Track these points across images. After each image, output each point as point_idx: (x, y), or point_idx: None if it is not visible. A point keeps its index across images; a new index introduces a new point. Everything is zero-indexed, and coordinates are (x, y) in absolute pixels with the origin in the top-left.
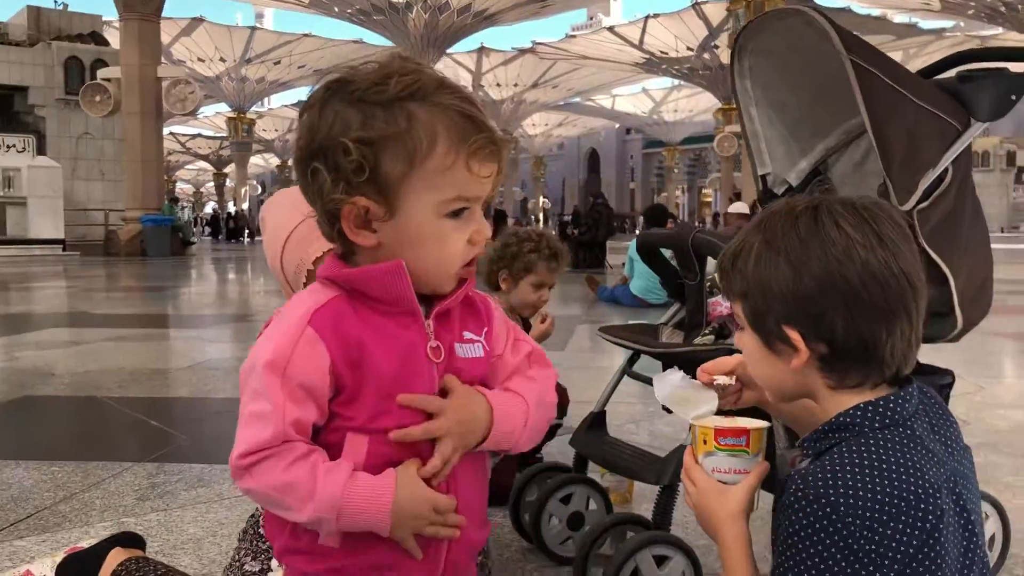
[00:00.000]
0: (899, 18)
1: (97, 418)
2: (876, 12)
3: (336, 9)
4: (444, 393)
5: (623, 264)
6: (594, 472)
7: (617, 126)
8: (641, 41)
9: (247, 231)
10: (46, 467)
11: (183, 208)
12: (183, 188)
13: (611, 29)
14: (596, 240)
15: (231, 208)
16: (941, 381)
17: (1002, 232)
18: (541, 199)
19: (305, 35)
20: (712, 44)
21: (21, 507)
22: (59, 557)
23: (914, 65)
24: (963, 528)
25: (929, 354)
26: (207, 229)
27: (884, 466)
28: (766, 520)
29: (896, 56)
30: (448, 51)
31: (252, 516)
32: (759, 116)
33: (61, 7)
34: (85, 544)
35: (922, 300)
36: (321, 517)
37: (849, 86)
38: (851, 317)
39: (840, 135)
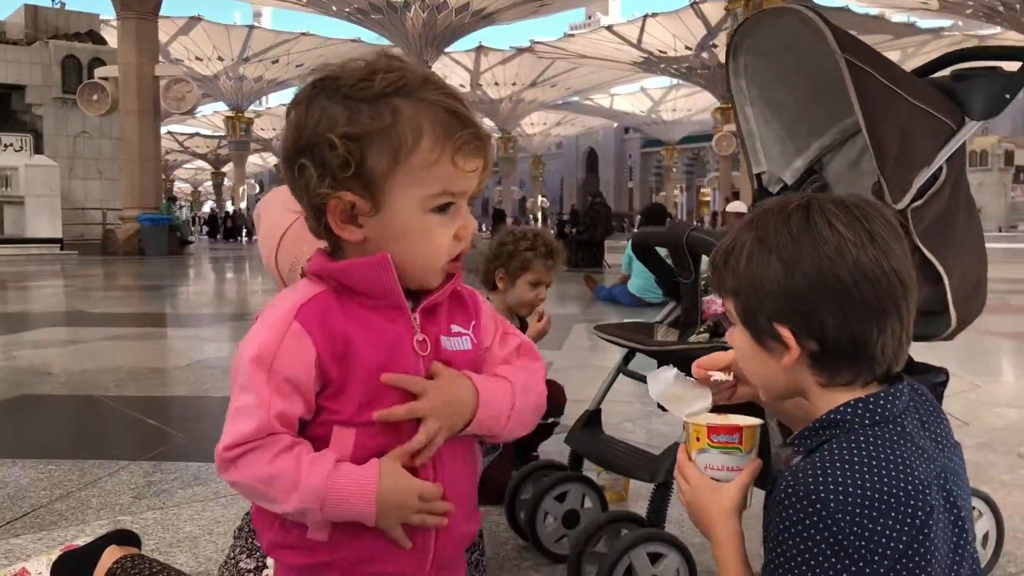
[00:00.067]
0: (897, 17)
1: (94, 417)
2: (874, 11)
3: (334, 8)
4: (430, 378)
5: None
6: (590, 470)
7: (615, 125)
8: (639, 40)
9: (245, 230)
10: (43, 465)
11: (181, 207)
12: (181, 187)
13: (609, 28)
14: (594, 239)
15: (229, 207)
16: (935, 379)
17: (1000, 231)
18: (539, 198)
19: (303, 34)
20: (710, 43)
21: (17, 505)
22: (55, 555)
23: (912, 64)
24: (953, 524)
25: (925, 352)
26: (205, 228)
27: (874, 462)
28: (759, 517)
29: (894, 55)
30: (446, 50)
31: (248, 514)
32: (754, 115)
33: (59, 6)
34: (81, 542)
35: (913, 299)
36: (305, 508)
37: (844, 85)
38: (842, 315)
39: (835, 134)
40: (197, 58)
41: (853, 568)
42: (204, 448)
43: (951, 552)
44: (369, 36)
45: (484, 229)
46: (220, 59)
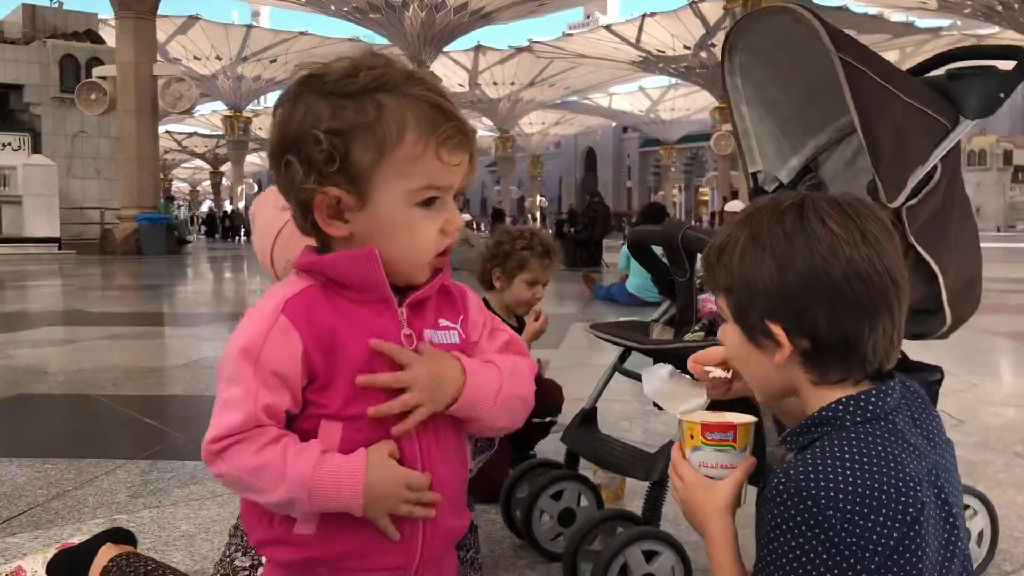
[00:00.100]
0: (896, 16)
1: (91, 416)
2: (873, 11)
3: (333, 7)
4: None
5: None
6: (586, 469)
7: (614, 125)
8: (638, 40)
9: (243, 230)
10: (39, 464)
11: (179, 207)
12: (179, 187)
13: (608, 27)
14: (592, 238)
15: (227, 207)
16: (930, 378)
17: (998, 231)
18: (538, 198)
19: (301, 33)
20: (709, 43)
21: (14, 504)
22: (50, 553)
23: (910, 64)
24: (944, 521)
25: (921, 351)
26: (203, 228)
27: (865, 459)
28: (753, 514)
29: (893, 55)
30: (445, 49)
31: None
32: (750, 114)
33: (56, 5)
34: (76, 540)
35: (905, 298)
36: (292, 498)
37: (839, 84)
38: (834, 313)
39: (831, 133)
40: (195, 57)
41: (844, 564)
42: (201, 447)
43: (942, 548)
44: (368, 35)
45: (483, 229)
46: (218, 58)
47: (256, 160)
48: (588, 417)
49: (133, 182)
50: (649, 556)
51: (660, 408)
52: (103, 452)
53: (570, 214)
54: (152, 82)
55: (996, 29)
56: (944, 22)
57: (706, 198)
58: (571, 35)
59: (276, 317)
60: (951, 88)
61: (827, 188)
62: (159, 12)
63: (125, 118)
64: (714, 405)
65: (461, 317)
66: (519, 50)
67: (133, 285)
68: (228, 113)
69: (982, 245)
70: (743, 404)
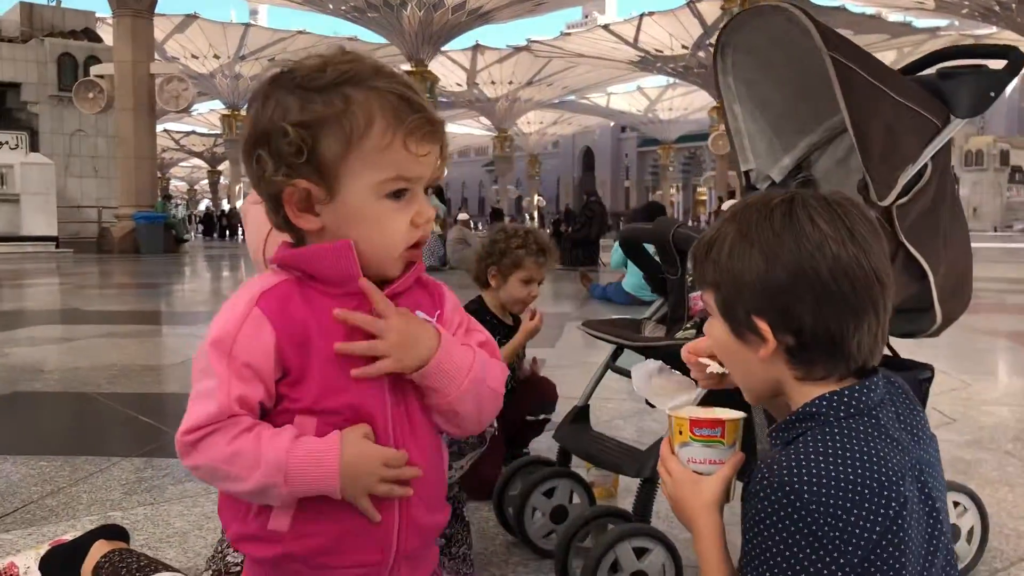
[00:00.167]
0: (893, 17)
1: (87, 414)
2: (871, 11)
3: (331, 6)
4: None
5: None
6: (579, 467)
7: (612, 124)
8: (636, 39)
9: (241, 229)
10: (34, 462)
11: (177, 205)
12: (177, 185)
13: (606, 27)
14: (589, 238)
15: (225, 205)
16: (921, 376)
17: (995, 231)
18: (536, 197)
19: (299, 32)
20: (707, 42)
21: (8, 501)
22: (43, 549)
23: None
24: (928, 515)
25: (917, 350)
26: (201, 227)
27: (848, 454)
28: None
29: (890, 55)
30: (443, 48)
31: None
32: (742, 113)
33: (54, 3)
34: (70, 537)
35: (890, 297)
36: (268, 483)
37: (830, 83)
38: (820, 310)
39: (823, 132)
40: (193, 56)
41: (827, 559)
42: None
43: (925, 543)
44: (366, 35)
45: (481, 228)
46: (216, 57)
47: None
48: (580, 415)
49: (131, 181)
50: (640, 553)
51: (653, 406)
52: (98, 449)
53: (566, 213)
54: (150, 81)
55: (994, 29)
56: (942, 22)
57: (704, 198)
58: (569, 34)
59: (250, 310)
60: (942, 87)
61: (819, 186)
62: (157, 11)
63: (123, 117)
64: (708, 398)
65: (438, 312)
66: (517, 49)
67: (130, 284)
68: (226, 112)
69: (979, 246)
70: (737, 397)
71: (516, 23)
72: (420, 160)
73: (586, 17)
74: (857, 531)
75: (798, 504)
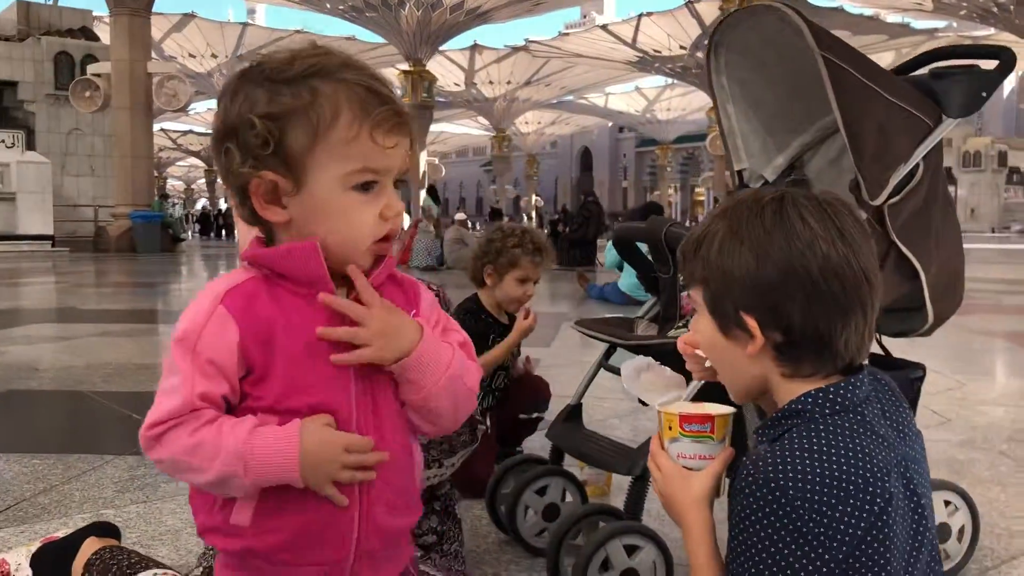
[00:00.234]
0: (892, 18)
1: (80, 412)
2: (869, 12)
3: (328, 5)
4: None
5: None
6: (573, 465)
7: (610, 124)
8: (634, 39)
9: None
10: (27, 460)
11: (174, 205)
12: (174, 185)
13: (604, 27)
14: (587, 238)
15: (222, 205)
16: (912, 375)
17: (993, 232)
18: (534, 197)
19: (297, 31)
20: (705, 43)
21: (0, 499)
22: (34, 547)
23: None
24: (913, 512)
25: (914, 350)
26: (198, 226)
27: (833, 450)
28: None
29: (889, 56)
30: (441, 48)
31: None
32: (735, 112)
33: (51, 2)
34: (61, 534)
35: (877, 296)
36: (228, 472)
37: (823, 82)
38: (809, 308)
39: (816, 132)
40: (190, 55)
41: (812, 555)
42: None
43: (910, 539)
44: (364, 34)
45: (479, 228)
46: (214, 56)
47: None
48: (573, 413)
49: (127, 180)
50: (631, 550)
51: (645, 404)
52: (91, 448)
53: (563, 213)
54: (147, 79)
55: (992, 31)
56: (940, 23)
57: (702, 198)
58: (567, 35)
59: (214, 308)
60: (934, 87)
61: (811, 186)
62: (154, 9)
63: (119, 115)
64: (703, 392)
65: (413, 311)
66: (515, 49)
67: (126, 283)
68: None
69: (977, 247)
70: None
71: (514, 23)
72: (387, 152)
73: (584, 17)
74: (842, 527)
75: (783, 500)
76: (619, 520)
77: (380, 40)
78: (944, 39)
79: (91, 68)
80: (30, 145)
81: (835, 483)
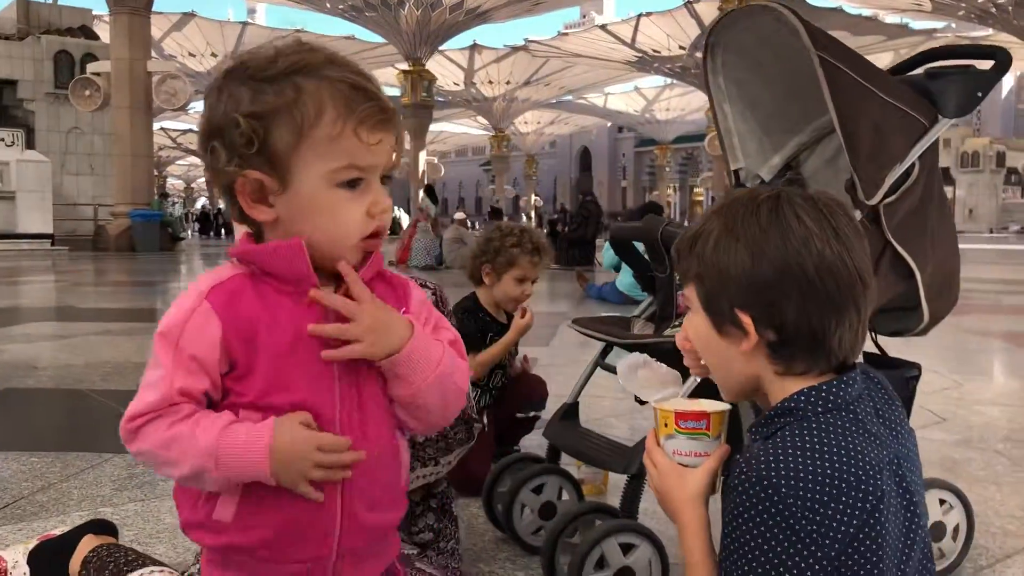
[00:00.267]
0: (890, 19)
1: (79, 410)
2: (867, 12)
3: (328, 5)
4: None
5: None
6: (570, 464)
7: (609, 124)
8: (633, 39)
9: None
10: (25, 458)
11: (173, 204)
12: (174, 183)
13: (603, 27)
14: (585, 237)
15: (222, 204)
16: (908, 374)
17: (991, 232)
18: (533, 197)
19: (297, 31)
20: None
21: None
22: (32, 544)
23: None
24: (905, 509)
25: (911, 349)
26: (197, 225)
27: (825, 448)
28: None
29: (887, 56)
30: (440, 48)
31: None
32: (732, 112)
33: (51, 1)
34: (58, 532)
35: (871, 296)
36: (201, 467)
37: (819, 82)
38: (804, 306)
39: (812, 131)
40: (190, 54)
41: (805, 552)
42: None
43: (902, 536)
44: (363, 34)
45: (478, 228)
46: (214, 55)
47: None
48: (569, 412)
49: (127, 179)
50: (626, 549)
51: (641, 402)
52: (90, 446)
53: (561, 213)
54: (147, 79)
55: (990, 31)
56: (938, 24)
57: (701, 198)
58: (567, 34)
59: (199, 303)
60: (930, 87)
61: (807, 186)
62: (154, 8)
63: (119, 115)
64: (699, 389)
65: (403, 309)
66: (515, 49)
67: (126, 281)
68: None
69: (975, 247)
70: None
71: (514, 23)
72: (372, 149)
73: (584, 17)
74: (834, 525)
75: (776, 498)
76: (615, 518)
77: (380, 40)
78: (943, 40)
79: (91, 67)
80: (30, 144)
81: (827, 481)
